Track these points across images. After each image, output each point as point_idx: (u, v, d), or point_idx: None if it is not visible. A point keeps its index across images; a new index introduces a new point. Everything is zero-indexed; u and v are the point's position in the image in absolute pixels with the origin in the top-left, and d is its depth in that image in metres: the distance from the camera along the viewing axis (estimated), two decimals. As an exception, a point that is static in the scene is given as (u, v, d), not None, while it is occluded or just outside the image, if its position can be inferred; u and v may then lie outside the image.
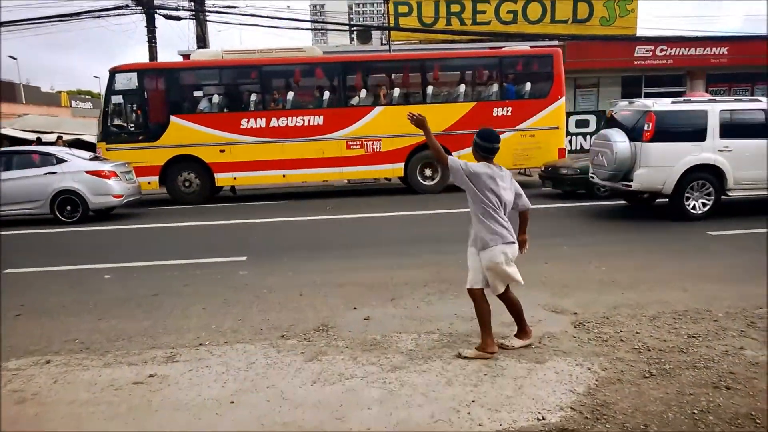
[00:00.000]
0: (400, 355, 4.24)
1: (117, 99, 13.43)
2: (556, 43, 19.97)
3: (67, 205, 10.93)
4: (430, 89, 13.98)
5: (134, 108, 13.60)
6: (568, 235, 8.49)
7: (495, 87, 14.10)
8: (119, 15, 18.04)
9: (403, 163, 13.82)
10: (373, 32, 23.65)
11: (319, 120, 13.53)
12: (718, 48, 20.32)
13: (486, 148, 4.10)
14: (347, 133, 13.61)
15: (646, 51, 20.23)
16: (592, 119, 16.91)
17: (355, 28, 24.57)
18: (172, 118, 13.29)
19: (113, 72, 13.16)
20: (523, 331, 4.36)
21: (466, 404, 3.47)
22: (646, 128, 8.88)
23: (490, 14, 20.89)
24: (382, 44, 21.98)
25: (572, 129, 16.83)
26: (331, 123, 13.56)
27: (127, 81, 13.29)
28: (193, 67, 14.09)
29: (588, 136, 16.71)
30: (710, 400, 3.43)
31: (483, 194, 3.98)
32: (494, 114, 13.76)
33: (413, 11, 20.86)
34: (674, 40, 20.13)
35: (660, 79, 21.57)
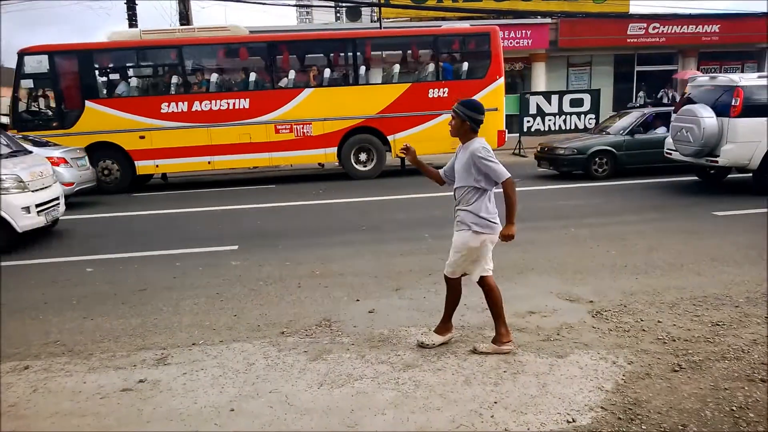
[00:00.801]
0: (411, 351, 3.96)
1: (27, 83, 12.61)
2: (549, 20, 19.64)
3: None
4: (362, 70, 13.38)
5: (46, 93, 12.77)
6: (571, 217, 8.23)
7: (431, 67, 13.46)
8: (98, -6, 17.38)
9: (335, 148, 13.18)
10: (362, 9, 23.03)
11: (245, 103, 12.83)
12: (710, 26, 20.08)
13: (481, 121, 3.76)
14: (275, 116, 12.91)
15: (639, 29, 19.93)
16: (587, 98, 16.62)
17: (343, 5, 23.88)
18: (87, 103, 12.44)
19: (21, 54, 12.25)
20: (446, 324, 4.06)
21: (488, 406, 3.20)
22: (733, 103, 8.80)
23: (482, -9, 20.41)
24: (372, 21, 21.43)
25: (566, 108, 16.54)
26: (258, 106, 12.86)
27: (38, 64, 12.42)
28: (109, 48, 13.10)
29: (582, 116, 16.42)
30: (747, 395, 3.19)
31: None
32: (430, 95, 13.17)
33: (403, -12, 20.33)
34: (667, 18, 19.85)
35: (652, 57, 21.34)
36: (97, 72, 12.94)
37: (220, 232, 8.24)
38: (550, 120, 16.80)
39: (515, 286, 5.23)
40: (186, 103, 12.77)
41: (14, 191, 7.25)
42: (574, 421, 3.02)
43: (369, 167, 13.37)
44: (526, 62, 20.52)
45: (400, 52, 14.16)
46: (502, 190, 3.65)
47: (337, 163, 13.82)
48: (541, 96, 17.08)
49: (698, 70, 21.18)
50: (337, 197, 10.99)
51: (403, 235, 7.44)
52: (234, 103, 12.84)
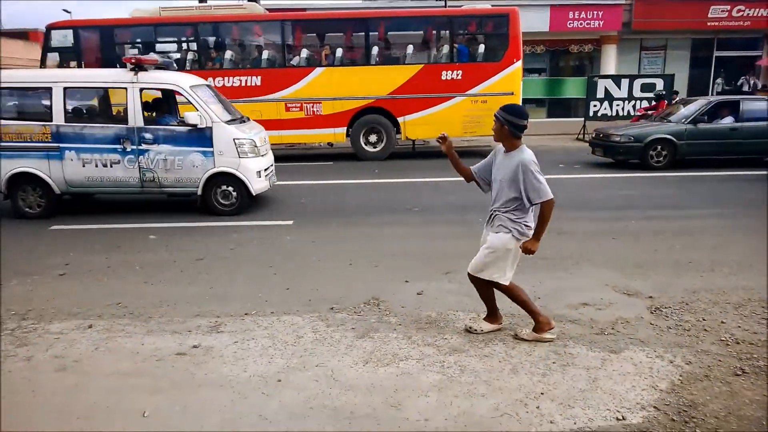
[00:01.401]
0: (458, 335, 3.92)
1: (54, 56, 12.99)
2: (623, 1, 18.71)
3: None
4: (375, 50, 13.07)
5: (71, 66, 12.98)
6: (632, 207, 7.89)
7: (445, 48, 13.14)
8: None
9: (345, 128, 13.01)
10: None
11: (256, 80, 12.84)
12: (803, 7, 18.56)
13: (524, 127, 3.59)
14: (286, 94, 12.86)
15: (722, 11, 18.64)
16: (659, 83, 15.80)
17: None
18: None
19: (49, 28, 12.67)
20: (494, 315, 3.99)
21: (534, 396, 3.13)
22: None
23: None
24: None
25: (636, 93, 15.80)
26: (269, 84, 12.84)
27: (63, 38, 12.77)
28: (129, 24, 13.40)
29: (652, 101, 15.64)
30: (819, 407, 2.98)
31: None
32: (443, 77, 12.78)
33: (468, -34, 19.83)
34: (754, 0, 18.48)
35: (734, 42, 19.95)
36: (117, 47, 13.34)
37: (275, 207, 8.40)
38: (618, 105, 16.12)
39: (570, 277, 5.09)
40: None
41: (251, 155, 7.69)
42: (624, 419, 2.92)
43: (378, 148, 13.22)
44: (596, 44, 19.66)
45: (415, 32, 13.84)
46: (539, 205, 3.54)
47: (347, 143, 13.74)
48: (610, 80, 16.38)
49: (785, 56, 19.72)
50: (386, 177, 10.97)
51: (453, 218, 7.36)
52: (246, 80, 12.93)
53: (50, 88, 7.49)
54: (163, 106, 8.44)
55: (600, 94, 15.99)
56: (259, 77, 12.97)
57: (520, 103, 12.74)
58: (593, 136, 12.29)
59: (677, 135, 11.02)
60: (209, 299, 4.71)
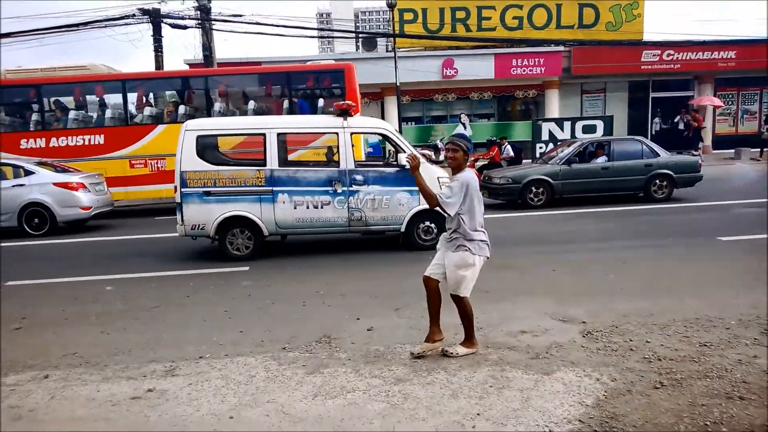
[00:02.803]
0: (403, 366, 4.15)
1: None
2: (562, 48, 19.95)
3: (35, 217, 10.81)
4: (217, 106, 13.78)
5: None
6: (563, 242, 8.36)
7: (286, 103, 13.95)
8: (126, 24, 18.20)
9: None
10: (378, 39, 23.65)
11: (100, 139, 13.36)
12: (726, 52, 20.19)
13: (470, 149, 4.22)
14: (130, 151, 13.40)
15: (653, 56, 20.13)
16: (600, 124, 16.78)
17: (360, 36, 24.57)
18: None
19: None
20: (470, 340, 4.33)
21: (470, 417, 3.37)
22: None
23: (495, 20, 20.90)
24: (387, 51, 22.00)
25: (579, 134, 16.71)
26: (113, 141, 13.36)
27: None
28: None
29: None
30: (723, 411, 3.31)
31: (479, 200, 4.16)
32: None
33: (418, 18, 20.92)
34: (681, 45, 20.01)
35: (668, 83, 21.45)
36: None
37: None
38: (562, 146, 16.96)
39: (511, 307, 5.39)
40: (44, 139, 13.37)
41: None
42: (551, 431, 3.18)
43: None
44: (540, 89, 20.78)
45: (256, 88, 14.54)
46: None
47: None
48: (553, 122, 17.30)
49: (715, 96, 21.22)
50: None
51: (403, 258, 7.66)
52: (90, 139, 13.41)
53: (264, 134, 7.76)
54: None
55: (545, 136, 16.86)
56: (103, 135, 13.40)
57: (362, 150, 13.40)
58: (481, 179, 12.95)
59: (552, 175, 11.70)
60: (165, 345, 4.82)
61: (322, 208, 7.80)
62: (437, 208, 4.16)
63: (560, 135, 16.91)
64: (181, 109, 13.73)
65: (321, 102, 13.93)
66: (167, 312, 5.75)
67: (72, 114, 13.68)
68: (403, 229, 7.99)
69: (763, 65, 20.31)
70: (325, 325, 5.11)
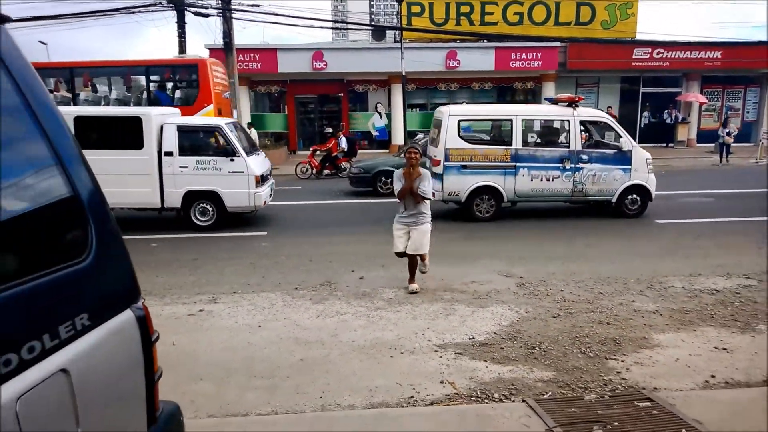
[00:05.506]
0: (382, 301, 5.76)
1: None
2: (558, 44, 21.23)
3: None
4: (83, 95, 14.74)
5: None
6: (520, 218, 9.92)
7: (144, 95, 14.82)
8: (152, 11, 19.67)
9: None
10: (387, 31, 25.01)
11: None
12: (713, 52, 21.39)
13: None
14: None
15: (644, 54, 21.36)
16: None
17: (369, 27, 25.94)
18: None
19: None
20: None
21: (422, 331, 4.98)
22: None
23: (497, 15, 22.14)
24: (395, 41, 23.34)
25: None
26: None
27: None
28: None
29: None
30: (591, 330, 4.90)
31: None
32: None
33: (425, 11, 22.18)
34: (670, 44, 21.23)
35: (657, 80, 22.71)
36: None
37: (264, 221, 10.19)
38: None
39: (470, 266, 6.99)
40: None
41: (652, 171, 9.93)
42: (473, 338, 4.78)
43: None
44: (537, 81, 22.13)
45: (119, 79, 15.51)
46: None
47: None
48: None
49: (701, 93, 22.49)
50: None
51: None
52: None
53: (511, 120, 9.58)
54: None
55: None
56: None
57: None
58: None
59: (396, 166, 12.66)
60: (206, 284, 6.46)
61: (552, 180, 9.62)
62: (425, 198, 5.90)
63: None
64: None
65: (178, 93, 14.96)
66: (205, 263, 7.39)
67: None
68: (614, 200, 9.80)
69: (747, 65, 21.57)
70: (326, 275, 6.72)
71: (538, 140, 10.24)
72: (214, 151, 9.38)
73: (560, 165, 9.57)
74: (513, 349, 4.55)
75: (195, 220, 9.35)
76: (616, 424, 3.35)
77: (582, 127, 9.78)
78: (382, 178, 12.82)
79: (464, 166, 9.50)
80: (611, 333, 4.86)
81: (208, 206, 9.33)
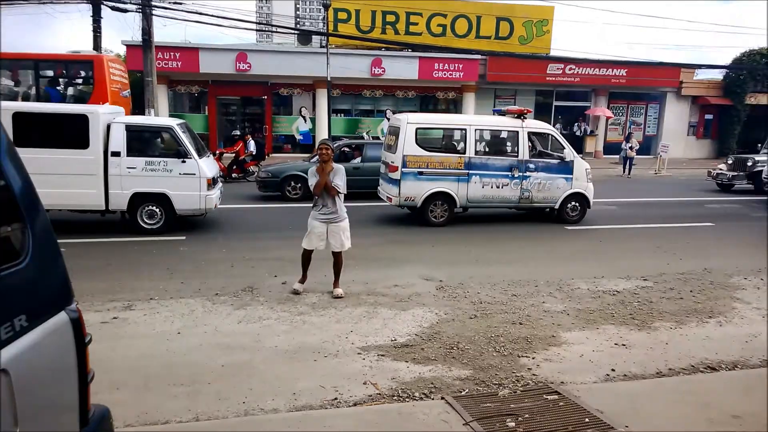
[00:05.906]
0: (306, 306, 5.78)
1: None
2: (479, 57, 22.05)
3: None
4: None
5: None
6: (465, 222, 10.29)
7: (32, 90, 13.60)
8: (64, 3, 18.57)
9: None
10: (313, 36, 24.97)
11: None
12: (619, 70, 22.98)
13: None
14: None
15: (557, 69, 22.60)
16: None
17: (296, 31, 25.80)
18: None
19: None
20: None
21: (346, 334, 5.05)
22: None
23: (422, 26, 22.67)
24: (321, 46, 23.34)
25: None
26: None
27: None
28: None
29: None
30: (506, 330, 5.18)
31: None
32: None
33: (351, 18, 22.34)
34: (581, 61, 22.60)
35: (569, 94, 24.11)
36: None
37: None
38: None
39: (395, 270, 7.15)
40: None
41: (590, 180, 10.62)
42: (395, 339, 4.92)
43: None
44: (458, 92, 22.86)
45: (4, 72, 14.17)
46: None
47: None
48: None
49: (608, 108, 24.10)
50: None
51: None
52: None
53: (465, 129, 9.93)
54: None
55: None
56: None
57: None
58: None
59: (305, 171, 12.18)
60: (120, 291, 6.21)
61: (501, 188, 10.04)
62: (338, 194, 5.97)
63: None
64: None
65: (71, 90, 14.04)
66: (119, 269, 7.09)
67: None
68: (557, 207, 10.35)
69: (648, 83, 23.37)
70: (248, 280, 6.65)
71: (489, 149, 10.67)
72: (165, 152, 9.06)
73: (509, 173, 10.05)
74: (433, 350, 4.73)
75: (142, 224, 8.96)
76: (527, 416, 3.58)
77: (529, 141, 10.25)
78: (291, 183, 12.65)
79: (421, 173, 9.81)
80: (523, 332, 5.15)
81: (156, 209, 8.97)
